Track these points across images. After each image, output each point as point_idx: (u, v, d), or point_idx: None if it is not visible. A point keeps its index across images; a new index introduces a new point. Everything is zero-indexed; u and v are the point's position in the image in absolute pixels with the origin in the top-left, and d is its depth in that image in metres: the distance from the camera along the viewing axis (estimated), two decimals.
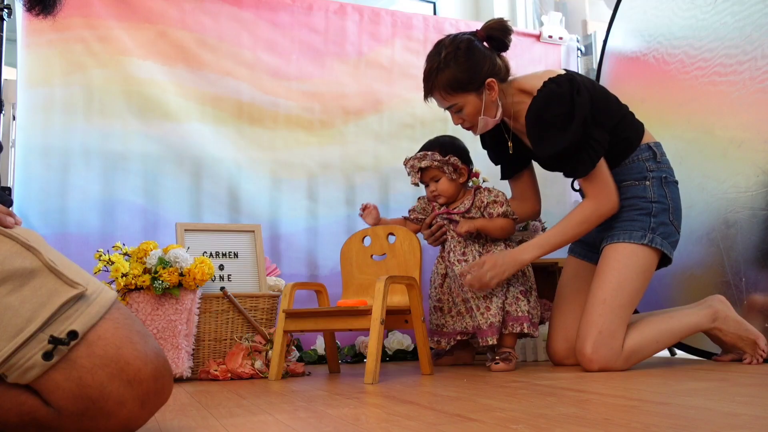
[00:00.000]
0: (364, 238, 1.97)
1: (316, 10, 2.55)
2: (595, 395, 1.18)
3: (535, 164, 2.03)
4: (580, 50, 3.02)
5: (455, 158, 1.91)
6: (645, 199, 1.77)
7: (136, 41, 2.24)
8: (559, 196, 2.63)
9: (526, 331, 1.80)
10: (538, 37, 2.91)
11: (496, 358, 1.79)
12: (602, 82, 2.76)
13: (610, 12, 2.79)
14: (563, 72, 1.78)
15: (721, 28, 2.18)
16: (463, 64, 1.77)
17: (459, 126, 1.89)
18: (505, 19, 1.84)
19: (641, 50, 2.55)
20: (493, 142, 2.01)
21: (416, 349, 1.77)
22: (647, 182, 1.78)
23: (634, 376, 1.52)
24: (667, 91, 2.39)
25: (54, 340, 0.78)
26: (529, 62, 2.86)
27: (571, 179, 1.95)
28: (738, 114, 2.09)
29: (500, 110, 1.82)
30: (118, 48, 2.21)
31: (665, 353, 2.28)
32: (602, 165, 1.75)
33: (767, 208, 1.96)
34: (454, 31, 2.75)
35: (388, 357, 2.34)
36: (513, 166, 2.01)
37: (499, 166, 2.08)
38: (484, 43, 1.81)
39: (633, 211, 1.77)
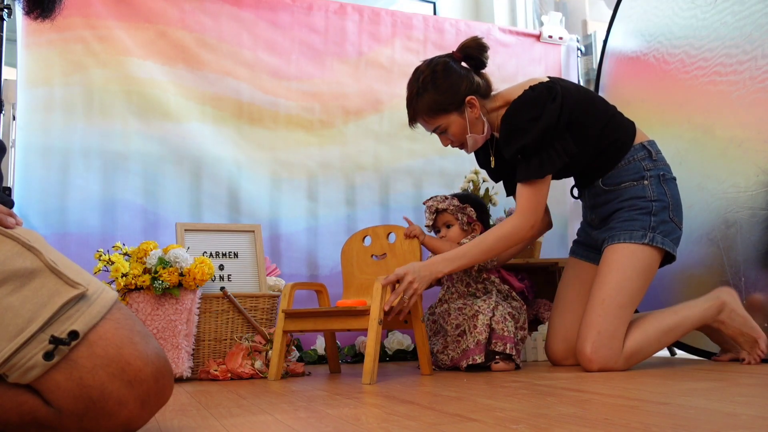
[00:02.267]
0: (364, 238, 1.97)
1: (316, 10, 2.55)
2: (595, 395, 1.18)
3: None
4: (580, 50, 3.02)
5: (471, 209, 1.98)
6: (644, 199, 1.76)
7: (136, 41, 2.24)
8: (560, 197, 2.62)
9: (508, 351, 1.75)
10: (538, 37, 2.91)
11: (497, 357, 1.79)
12: (602, 82, 2.76)
13: (610, 12, 2.78)
14: (546, 79, 1.78)
15: (721, 27, 2.18)
16: (441, 86, 1.78)
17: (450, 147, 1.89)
18: (479, 36, 1.83)
19: (641, 50, 2.55)
20: (486, 160, 2.00)
21: (416, 349, 1.77)
22: (645, 181, 1.77)
23: (634, 376, 1.52)
24: (668, 91, 2.39)
25: (55, 340, 0.78)
26: (529, 62, 2.87)
27: (571, 187, 1.95)
28: (738, 113, 2.09)
29: (487, 126, 1.83)
30: (118, 48, 2.21)
31: (665, 353, 2.28)
32: (546, 183, 1.74)
33: (767, 208, 1.96)
34: (454, 31, 2.77)
35: (388, 357, 2.33)
36: (512, 181, 1.96)
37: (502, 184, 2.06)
38: (462, 63, 1.82)
39: (633, 211, 1.76)
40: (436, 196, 2.03)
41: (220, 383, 1.68)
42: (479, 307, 1.80)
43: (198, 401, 1.28)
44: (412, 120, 1.86)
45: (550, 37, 2.92)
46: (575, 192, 1.95)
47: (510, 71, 2.81)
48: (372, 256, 1.93)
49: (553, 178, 1.94)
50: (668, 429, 0.82)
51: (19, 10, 2.09)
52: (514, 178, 1.95)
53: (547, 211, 2.05)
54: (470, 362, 1.76)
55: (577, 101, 1.74)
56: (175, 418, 1.05)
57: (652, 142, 1.83)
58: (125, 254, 1.86)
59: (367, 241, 1.96)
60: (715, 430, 0.81)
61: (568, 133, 1.73)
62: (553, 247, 2.69)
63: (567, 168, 1.83)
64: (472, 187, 2.43)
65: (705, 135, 2.19)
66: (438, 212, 1.98)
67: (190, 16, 2.34)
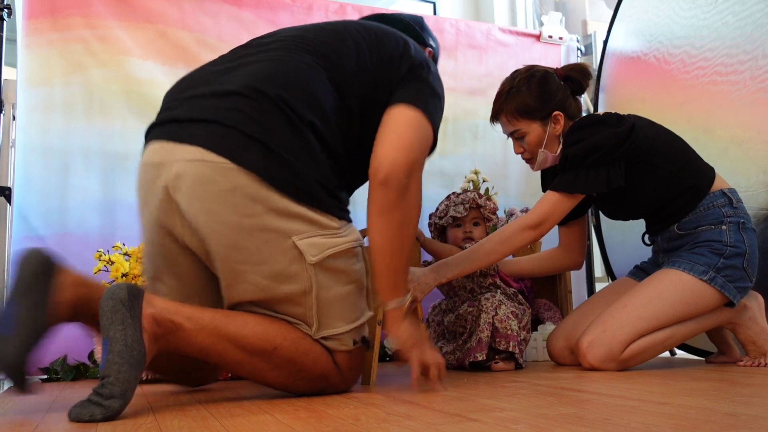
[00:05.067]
0: (364, 238, 1.96)
1: (316, 10, 2.54)
2: (595, 395, 1.18)
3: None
4: (580, 50, 3.02)
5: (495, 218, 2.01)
6: (721, 243, 1.67)
7: (136, 41, 2.24)
8: None
9: (511, 349, 1.75)
10: (538, 37, 2.91)
11: (497, 357, 1.79)
12: (603, 82, 2.76)
13: (610, 12, 2.79)
14: (627, 114, 1.78)
15: (722, 27, 2.18)
16: (535, 91, 1.78)
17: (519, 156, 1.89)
18: (586, 64, 1.83)
19: (642, 50, 2.55)
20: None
21: None
22: (723, 227, 1.69)
23: (634, 376, 1.52)
24: (668, 91, 2.39)
25: (363, 341, 1.32)
26: (528, 62, 2.81)
27: (642, 234, 1.91)
28: (739, 113, 2.09)
29: (561, 147, 1.81)
30: (118, 48, 2.21)
31: (665, 353, 2.28)
32: (571, 200, 1.71)
33: (767, 208, 1.96)
34: (454, 31, 2.77)
35: (388, 357, 2.33)
36: (569, 213, 1.85)
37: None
38: (561, 82, 1.83)
39: (705, 248, 1.68)
40: (465, 192, 2.03)
41: (220, 383, 1.68)
42: (482, 305, 1.80)
43: (198, 401, 1.28)
44: (495, 116, 1.85)
45: (550, 37, 2.92)
46: (647, 239, 1.91)
47: (510, 71, 2.80)
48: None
49: (616, 217, 1.90)
50: (668, 429, 0.82)
51: (19, 10, 2.09)
52: (573, 211, 1.85)
53: (582, 252, 2.02)
54: (471, 359, 1.76)
55: (649, 139, 1.72)
56: (175, 418, 1.05)
57: (732, 190, 1.75)
58: (125, 254, 1.86)
59: (367, 241, 1.96)
60: (715, 430, 0.81)
61: (624, 167, 1.70)
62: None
63: (631, 208, 1.81)
64: (472, 187, 2.43)
65: (705, 135, 2.19)
66: (477, 207, 1.97)
67: (190, 16, 2.33)
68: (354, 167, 1.38)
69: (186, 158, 1.18)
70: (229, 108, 1.20)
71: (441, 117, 1.44)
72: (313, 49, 1.33)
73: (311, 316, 1.24)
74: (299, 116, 1.22)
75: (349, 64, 1.34)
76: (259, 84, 1.23)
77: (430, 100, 1.37)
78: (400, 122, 1.32)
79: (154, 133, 1.29)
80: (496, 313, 1.78)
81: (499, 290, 1.89)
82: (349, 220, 1.34)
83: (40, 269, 1.09)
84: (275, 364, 1.23)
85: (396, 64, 1.38)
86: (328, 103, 1.29)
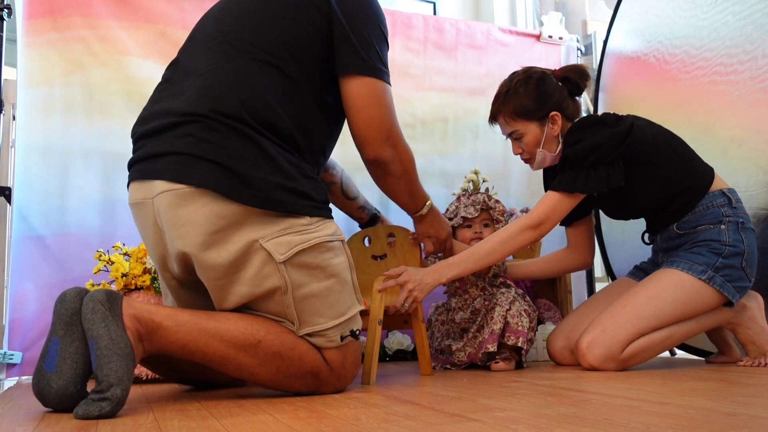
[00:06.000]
0: (364, 238, 1.97)
1: None
2: (595, 395, 1.18)
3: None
4: (580, 50, 3.02)
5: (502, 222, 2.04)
6: (719, 242, 1.68)
7: (136, 41, 2.24)
8: None
9: (519, 344, 1.76)
10: (538, 37, 2.91)
11: (497, 357, 1.79)
12: (602, 82, 2.76)
13: (610, 12, 2.79)
14: (626, 114, 1.79)
15: (721, 27, 2.18)
16: (532, 92, 1.80)
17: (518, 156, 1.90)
18: (584, 65, 1.84)
19: (642, 50, 2.55)
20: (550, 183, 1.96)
21: (416, 349, 1.76)
22: (722, 226, 1.69)
23: (634, 376, 1.52)
24: (668, 91, 2.39)
25: (352, 334, 1.33)
26: (528, 62, 2.82)
27: (642, 233, 1.92)
28: (738, 113, 2.09)
29: (560, 147, 1.82)
30: (118, 48, 2.21)
31: (665, 353, 2.28)
32: (572, 199, 1.72)
33: (767, 208, 1.96)
34: (454, 31, 2.77)
35: (388, 357, 2.33)
36: (573, 213, 1.89)
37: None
38: (559, 83, 1.83)
39: (704, 248, 1.69)
40: (476, 193, 2.05)
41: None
42: (497, 299, 1.81)
43: (198, 401, 1.28)
44: (493, 117, 1.87)
45: (550, 37, 2.92)
46: (647, 238, 1.92)
47: (510, 71, 2.80)
48: (372, 256, 1.93)
49: (616, 217, 1.92)
50: (668, 429, 0.82)
51: (19, 10, 2.09)
52: (576, 211, 1.87)
53: (590, 251, 2.03)
54: (484, 350, 1.77)
55: (648, 139, 1.72)
56: (175, 418, 1.05)
57: (732, 190, 1.76)
58: (125, 254, 1.86)
59: (367, 241, 1.96)
60: (715, 430, 0.81)
61: (624, 167, 1.71)
62: (554, 247, 2.69)
63: (631, 207, 1.82)
64: (472, 187, 2.43)
65: (705, 135, 2.19)
66: (488, 209, 1.99)
67: (190, 16, 2.33)
68: (315, 131, 1.38)
69: (157, 192, 1.26)
70: (179, 136, 1.26)
71: (387, 44, 1.45)
72: (234, 40, 1.36)
73: (291, 314, 1.26)
74: (242, 122, 1.25)
75: (264, 26, 1.35)
76: (199, 107, 1.26)
77: (374, 51, 1.38)
78: (360, 100, 1.38)
79: (131, 173, 1.36)
80: (510, 308, 1.79)
81: (513, 288, 1.90)
82: (326, 216, 1.33)
83: (78, 306, 1.13)
84: (261, 359, 1.23)
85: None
86: (267, 87, 1.29)
